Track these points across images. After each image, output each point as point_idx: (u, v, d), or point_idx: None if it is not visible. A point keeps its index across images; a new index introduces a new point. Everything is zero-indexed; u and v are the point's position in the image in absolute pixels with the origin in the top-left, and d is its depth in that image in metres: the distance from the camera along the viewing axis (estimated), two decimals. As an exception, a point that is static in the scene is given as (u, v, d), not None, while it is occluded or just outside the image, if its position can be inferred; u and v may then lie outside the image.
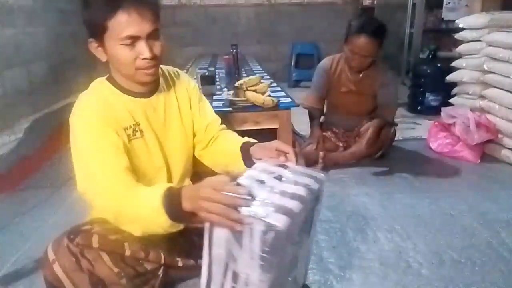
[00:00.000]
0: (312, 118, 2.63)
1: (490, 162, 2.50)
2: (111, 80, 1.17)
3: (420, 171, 2.39)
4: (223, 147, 1.31)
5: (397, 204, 1.98)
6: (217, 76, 2.59)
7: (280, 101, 2.10)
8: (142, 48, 1.05)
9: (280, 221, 0.82)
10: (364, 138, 2.39)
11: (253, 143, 1.21)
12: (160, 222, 0.96)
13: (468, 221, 1.79)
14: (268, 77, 2.79)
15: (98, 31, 1.04)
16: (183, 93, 1.30)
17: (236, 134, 1.36)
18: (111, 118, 1.10)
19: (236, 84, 2.18)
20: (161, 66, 1.21)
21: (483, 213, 1.86)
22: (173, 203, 0.94)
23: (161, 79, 1.25)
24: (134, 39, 1.04)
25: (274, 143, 1.10)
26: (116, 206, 1.02)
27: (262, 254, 0.84)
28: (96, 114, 1.08)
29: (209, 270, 0.93)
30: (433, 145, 2.68)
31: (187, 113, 1.30)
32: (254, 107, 2.05)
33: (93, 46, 1.09)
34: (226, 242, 0.88)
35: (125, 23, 1.01)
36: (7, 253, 1.60)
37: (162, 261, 1.18)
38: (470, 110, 2.62)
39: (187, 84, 1.33)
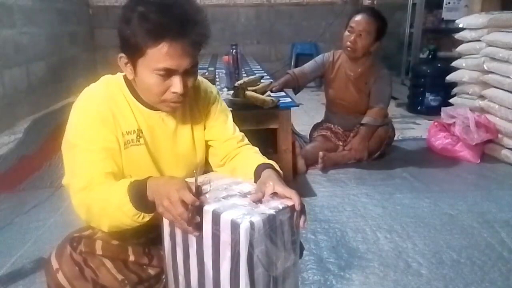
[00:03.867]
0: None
1: (490, 162, 2.50)
2: (128, 82, 1.10)
3: (420, 171, 2.39)
4: (239, 166, 1.21)
5: (397, 204, 1.98)
6: (217, 76, 2.59)
7: (280, 101, 2.10)
8: (176, 83, 0.99)
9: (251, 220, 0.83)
10: (352, 149, 2.46)
11: (269, 166, 1.13)
12: (125, 211, 0.94)
13: (467, 221, 1.79)
14: (268, 77, 2.79)
15: (134, 52, 0.98)
16: (198, 107, 1.20)
17: (255, 151, 1.25)
18: (113, 119, 1.05)
19: (236, 84, 2.18)
20: None
21: (483, 213, 1.86)
22: (138, 192, 0.94)
23: None
24: (170, 72, 0.98)
25: (279, 188, 0.98)
26: (88, 203, 1.00)
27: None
28: (97, 111, 1.04)
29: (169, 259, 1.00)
30: (433, 145, 2.68)
31: (200, 126, 1.21)
32: (254, 107, 2.05)
33: (122, 61, 1.02)
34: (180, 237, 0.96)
35: (165, 56, 0.95)
36: (7, 253, 1.60)
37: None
38: (470, 110, 2.62)
39: (208, 95, 1.23)
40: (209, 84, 1.26)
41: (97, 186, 0.99)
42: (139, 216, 0.95)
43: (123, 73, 1.09)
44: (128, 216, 0.94)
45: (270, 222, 0.87)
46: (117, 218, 0.97)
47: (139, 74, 1.00)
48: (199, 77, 1.23)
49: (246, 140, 1.29)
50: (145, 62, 0.97)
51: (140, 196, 0.93)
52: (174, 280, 1.06)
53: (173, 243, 1.01)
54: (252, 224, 0.83)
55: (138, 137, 1.08)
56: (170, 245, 1.03)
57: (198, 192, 0.95)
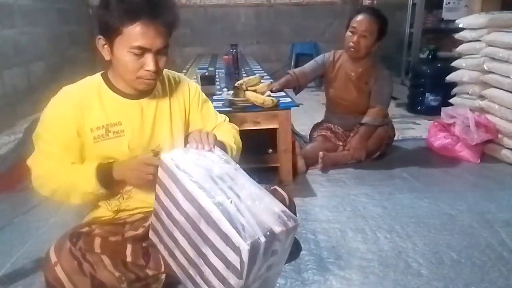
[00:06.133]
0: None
1: (490, 162, 2.50)
2: (104, 76, 1.20)
3: (420, 171, 2.39)
4: None
5: (397, 204, 1.98)
6: (217, 76, 2.59)
7: (280, 101, 2.10)
8: (149, 61, 1.09)
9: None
10: (351, 148, 2.45)
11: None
12: (93, 191, 1.12)
13: (467, 221, 1.79)
14: (268, 77, 2.79)
15: (111, 32, 1.07)
16: (179, 99, 1.30)
17: (227, 131, 1.38)
18: (81, 117, 1.15)
19: (236, 84, 2.18)
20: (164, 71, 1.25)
21: (483, 213, 1.86)
22: (104, 172, 1.12)
23: (158, 83, 1.25)
24: (143, 50, 1.07)
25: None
26: (52, 188, 1.16)
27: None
28: (65, 110, 1.14)
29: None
30: (433, 145, 2.68)
31: (178, 119, 1.29)
32: (254, 107, 2.05)
33: (100, 43, 1.11)
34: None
35: (140, 34, 1.05)
36: (7, 253, 1.60)
37: (162, 269, 1.18)
38: (470, 110, 2.62)
39: (187, 90, 1.33)
40: (189, 80, 1.39)
41: (59, 173, 1.13)
42: (102, 193, 1.13)
43: (101, 72, 1.21)
44: (95, 194, 1.13)
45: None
46: (85, 197, 1.15)
47: (115, 54, 1.09)
48: (180, 74, 1.38)
49: (226, 120, 1.45)
50: (121, 41, 1.06)
51: (106, 174, 1.12)
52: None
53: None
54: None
55: (108, 131, 1.17)
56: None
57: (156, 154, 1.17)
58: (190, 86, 1.35)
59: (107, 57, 1.13)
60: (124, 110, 1.18)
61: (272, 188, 1.21)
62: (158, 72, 1.13)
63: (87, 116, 1.15)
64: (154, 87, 1.22)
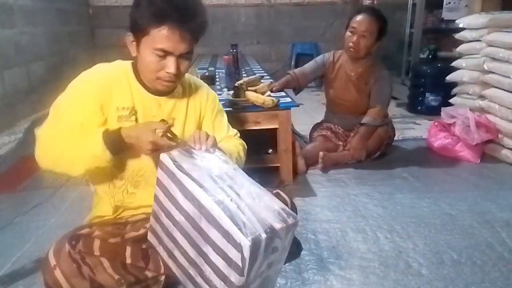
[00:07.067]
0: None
1: (490, 162, 2.50)
2: (133, 65, 1.23)
3: (420, 171, 2.39)
4: None
5: (397, 204, 1.98)
6: (217, 76, 2.59)
7: (280, 101, 2.10)
8: (170, 63, 1.12)
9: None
10: (351, 148, 2.45)
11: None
12: (100, 156, 1.08)
13: (468, 221, 1.79)
14: (268, 77, 2.79)
15: (138, 31, 1.11)
16: (196, 103, 1.32)
17: (232, 145, 1.36)
18: (109, 94, 1.16)
19: (236, 84, 2.18)
20: (186, 75, 1.30)
21: (483, 213, 1.86)
22: (112, 134, 1.09)
23: (179, 86, 1.28)
24: (166, 53, 1.11)
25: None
26: (57, 152, 1.11)
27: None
28: (93, 84, 1.15)
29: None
30: (433, 145, 2.68)
31: (192, 122, 1.32)
32: (254, 107, 2.05)
33: (129, 39, 1.16)
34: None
35: (164, 38, 1.08)
36: (7, 253, 1.60)
37: (162, 270, 1.18)
38: (470, 110, 2.62)
39: (205, 97, 1.35)
40: (209, 88, 1.40)
41: (66, 137, 1.11)
42: (110, 159, 1.09)
43: (132, 61, 1.24)
44: (102, 161, 1.09)
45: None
46: (90, 163, 1.10)
47: (141, 52, 1.14)
48: (201, 81, 1.40)
49: (237, 135, 1.44)
50: (147, 41, 1.10)
51: (115, 139, 1.09)
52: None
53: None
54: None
55: (131, 114, 1.19)
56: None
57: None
58: (209, 94, 1.38)
59: (133, 53, 1.17)
60: (143, 101, 1.21)
61: (275, 192, 1.21)
62: (178, 75, 1.16)
63: (116, 94, 1.17)
64: (173, 89, 1.25)
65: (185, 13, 1.08)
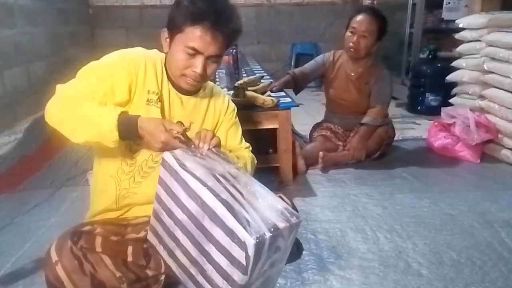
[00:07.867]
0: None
1: (490, 162, 2.50)
2: (166, 59, 1.25)
3: (420, 171, 2.39)
4: None
5: (397, 204, 1.98)
6: (217, 76, 2.59)
7: (280, 101, 2.10)
8: (198, 63, 1.16)
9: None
10: (351, 148, 2.45)
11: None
12: (107, 135, 1.05)
13: (468, 221, 1.79)
14: (268, 77, 2.79)
15: (174, 28, 1.15)
16: (215, 110, 1.35)
17: (241, 156, 1.36)
18: (144, 74, 1.18)
19: (236, 84, 2.18)
20: (210, 82, 1.35)
21: (483, 213, 1.86)
22: (128, 117, 1.07)
23: (202, 90, 1.32)
24: (196, 52, 1.15)
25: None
26: (69, 112, 1.09)
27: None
28: (128, 62, 1.17)
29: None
30: (433, 145, 2.68)
31: (209, 126, 1.33)
32: (254, 107, 2.05)
33: (164, 35, 1.20)
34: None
35: (197, 37, 1.13)
36: (7, 253, 1.60)
37: (162, 269, 1.18)
38: (470, 110, 2.62)
39: (225, 106, 1.39)
40: (230, 98, 1.45)
41: (85, 102, 1.09)
42: (116, 142, 1.06)
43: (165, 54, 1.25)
44: (107, 139, 1.06)
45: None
46: (92, 135, 1.07)
47: (172, 48, 1.18)
48: (224, 92, 1.45)
49: (248, 149, 1.45)
50: (180, 38, 1.14)
51: (128, 126, 1.06)
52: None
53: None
54: None
55: (158, 100, 1.21)
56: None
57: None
58: (230, 104, 1.41)
59: (165, 49, 1.21)
60: (169, 93, 1.24)
61: (277, 196, 1.21)
62: (203, 76, 1.19)
63: (149, 77, 1.20)
64: (196, 91, 1.28)
65: (221, 17, 1.13)
